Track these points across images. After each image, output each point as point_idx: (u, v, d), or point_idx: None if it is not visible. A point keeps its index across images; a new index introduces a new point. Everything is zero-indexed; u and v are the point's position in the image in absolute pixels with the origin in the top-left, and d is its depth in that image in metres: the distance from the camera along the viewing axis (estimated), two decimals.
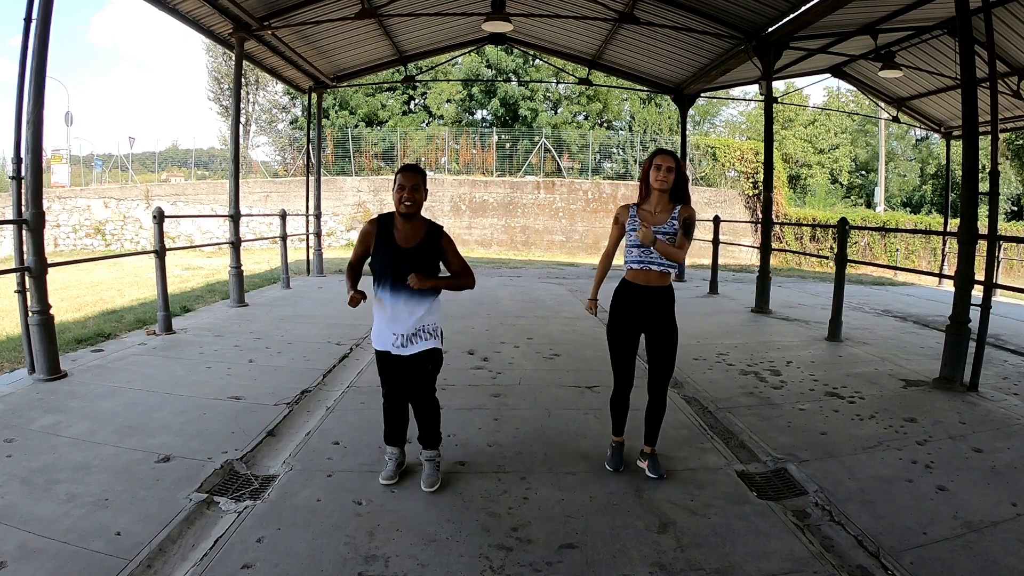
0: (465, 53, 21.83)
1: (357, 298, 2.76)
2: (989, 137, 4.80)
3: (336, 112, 24.90)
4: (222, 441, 3.34)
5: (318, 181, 11.08)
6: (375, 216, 2.91)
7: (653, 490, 2.93)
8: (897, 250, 20.28)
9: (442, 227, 2.90)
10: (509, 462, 3.20)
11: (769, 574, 2.30)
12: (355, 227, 19.76)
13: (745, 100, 29.09)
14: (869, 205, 27.25)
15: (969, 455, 3.33)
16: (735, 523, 2.64)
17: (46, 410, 3.71)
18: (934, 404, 4.16)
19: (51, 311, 4.33)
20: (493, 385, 4.49)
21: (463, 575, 2.28)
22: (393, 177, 2.80)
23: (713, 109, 31.94)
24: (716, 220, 9.40)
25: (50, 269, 4.32)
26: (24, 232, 4.19)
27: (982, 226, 4.66)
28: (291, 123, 28.13)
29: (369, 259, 2.87)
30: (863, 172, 31.19)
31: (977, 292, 4.62)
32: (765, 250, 7.78)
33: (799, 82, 21.93)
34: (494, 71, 25.16)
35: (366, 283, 2.75)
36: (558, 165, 22.23)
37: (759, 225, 11.16)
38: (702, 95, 12.02)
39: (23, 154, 4.16)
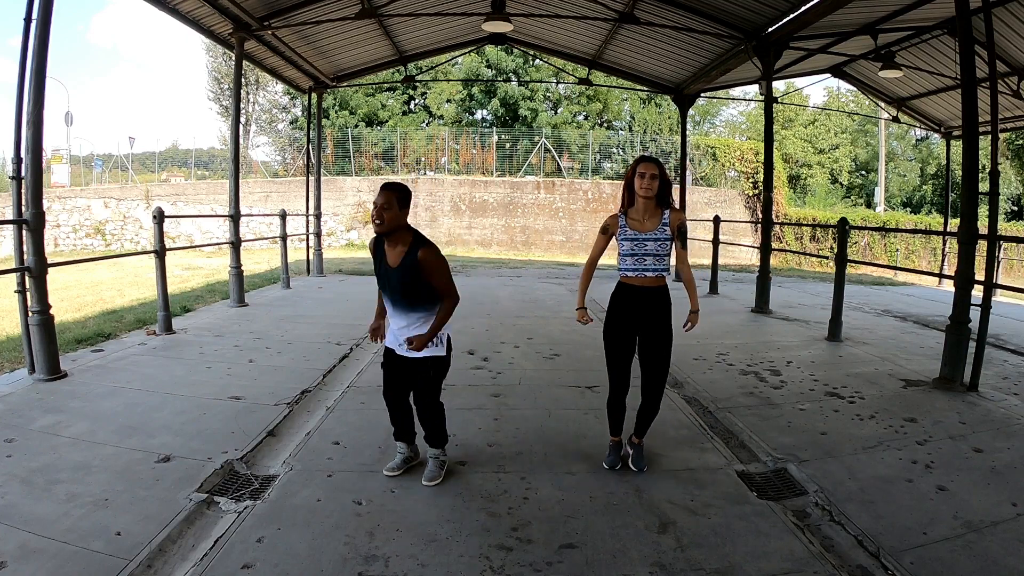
0: (465, 53, 21.83)
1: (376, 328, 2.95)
2: (989, 137, 4.80)
3: (336, 112, 24.90)
4: (222, 441, 3.34)
5: (318, 181, 11.08)
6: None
7: (653, 490, 2.93)
8: (897, 250, 20.28)
9: (424, 242, 2.79)
10: (509, 462, 3.20)
11: (769, 574, 2.30)
12: (355, 227, 19.77)
13: (745, 100, 29.11)
14: (869, 205, 27.25)
15: (969, 455, 3.33)
16: (735, 523, 2.64)
17: (46, 410, 3.71)
18: (934, 404, 4.16)
19: (51, 311, 4.33)
20: (493, 385, 4.49)
21: (463, 575, 2.28)
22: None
23: (713, 109, 31.95)
24: (716, 220, 9.40)
25: (50, 269, 4.32)
26: (24, 232, 4.19)
27: (982, 226, 4.65)
28: (291, 123, 28.13)
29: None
30: (863, 172, 31.19)
31: (977, 292, 4.62)
32: (765, 250, 7.78)
33: (799, 82, 21.93)
34: (494, 71, 25.17)
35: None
36: (558, 165, 22.23)
37: (759, 225, 11.16)
38: (702, 95, 12.02)
39: (23, 154, 4.16)
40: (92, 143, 52.26)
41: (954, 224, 10.49)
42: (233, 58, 8.14)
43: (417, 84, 22.01)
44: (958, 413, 3.97)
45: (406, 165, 22.62)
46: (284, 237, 8.86)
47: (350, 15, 7.76)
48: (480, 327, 6.38)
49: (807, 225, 20.00)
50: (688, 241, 3.02)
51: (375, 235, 2.85)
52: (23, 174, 4.15)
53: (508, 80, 25.01)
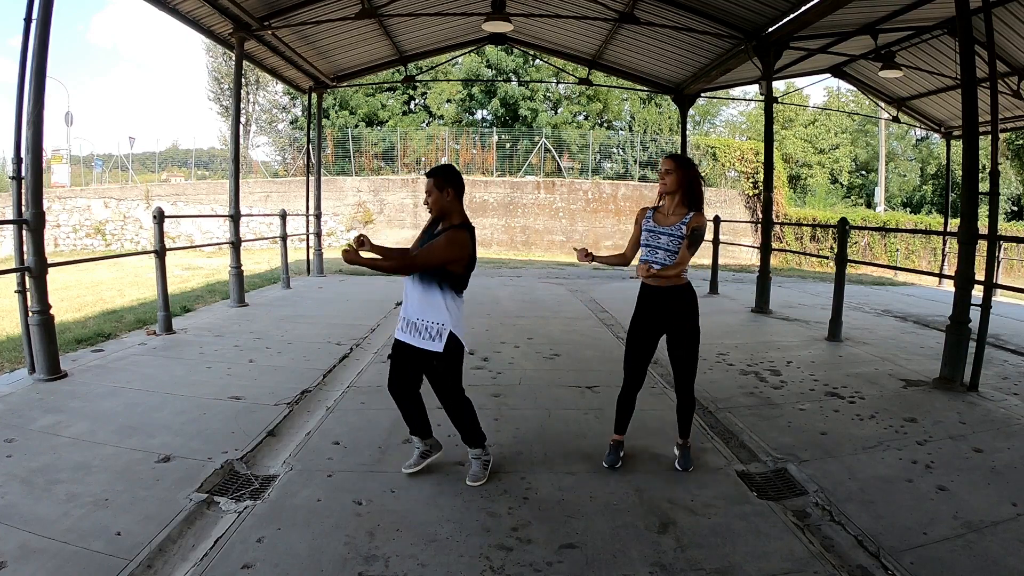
0: (465, 53, 21.83)
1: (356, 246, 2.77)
2: (989, 137, 4.80)
3: (336, 112, 24.89)
4: (222, 441, 3.34)
5: (318, 181, 11.09)
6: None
7: (653, 490, 2.93)
8: (897, 250, 20.28)
9: (458, 226, 2.83)
10: (509, 462, 3.20)
11: (769, 574, 2.30)
12: (355, 227, 19.76)
13: (745, 100, 29.10)
14: (869, 205, 27.24)
15: (969, 455, 3.33)
16: (735, 523, 2.64)
17: (46, 410, 3.71)
18: (934, 404, 4.16)
19: (51, 311, 4.33)
20: (493, 385, 4.49)
21: (463, 575, 2.28)
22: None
23: (713, 109, 31.95)
24: (716, 220, 9.40)
25: (50, 269, 4.32)
26: (24, 232, 4.19)
27: (982, 226, 4.66)
28: (291, 123, 28.11)
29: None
30: (863, 172, 31.19)
31: (977, 292, 4.62)
32: (765, 250, 7.78)
33: (799, 82, 21.94)
34: (494, 71, 25.16)
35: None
36: (558, 165, 22.23)
37: (759, 225, 11.16)
38: (702, 95, 12.01)
39: (23, 154, 4.16)
40: (92, 143, 52.23)
41: (954, 224, 10.49)
42: (233, 58, 8.14)
43: (417, 84, 22.01)
44: (958, 413, 3.97)
45: (406, 165, 22.61)
46: (284, 237, 8.86)
47: (350, 15, 7.76)
48: (480, 327, 6.38)
49: (807, 225, 20.00)
50: (696, 250, 3.03)
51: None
52: (23, 174, 4.15)
53: (508, 80, 25.00)
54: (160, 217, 5.75)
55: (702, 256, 14.91)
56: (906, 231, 20.75)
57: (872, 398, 4.28)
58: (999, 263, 9.55)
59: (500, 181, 20.56)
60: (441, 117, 26.66)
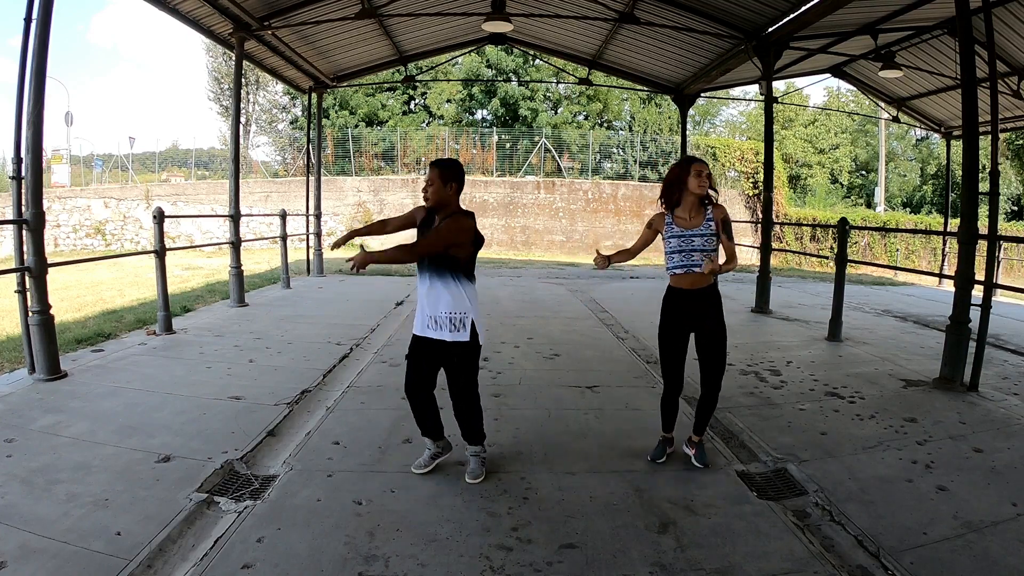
0: (465, 53, 21.83)
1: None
2: (989, 137, 4.79)
3: (336, 112, 24.89)
4: (222, 441, 3.34)
5: (318, 181, 11.09)
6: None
7: (653, 490, 2.93)
8: (897, 250, 20.28)
9: (456, 214, 2.84)
10: (509, 462, 3.20)
11: (769, 574, 2.30)
12: (355, 227, 19.76)
13: (745, 100, 29.09)
14: (869, 205, 27.24)
15: (969, 455, 3.33)
16: (735, 523, 2.64)
17: (46, 410, 3.71)
18: (934, 404, 4.16)
19: (51, 311, 4.33)
20: (493, 385, 4.49)
21: (463, 575, 2.28)
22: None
23: (713, 109, 31.95)
24: None
25: (50, 269, 4.32)
26: (24, 232, 4.19)
27: (982, 226, 4.65)
28: (291, 123, 28.11)
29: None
30: (863, 172, 31.19)
31: (977, 292, 4.62)
32: (765, 250, 7.78)
33: (799, 82, 21.94)
34: (494, 71, 25.15)
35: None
36: (558, 165, 22.23)
37: (759, 225, 11.15)
38: (702, 95, 12.02)
39: (23, 154, 4.16)
40: (92, 143, 52.26)
41: (954, 224, 10.49)
42: (233, 58, 8.14)
43: (417, 84, 22.01)
44: (958, 413, 3.97)
45: (406, 165, 22.61)
46: (284, 237, 8.86)
47: (350, 15, 7.77)
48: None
49: (807, 225, 20.00)
50: (732, 232, 3.11)
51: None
52: (23, 174, 4.15)
53: (508, 80, 25.00)
54: (160, 217, 5.75)
55: None
56: (906, 231, 20.75)
57: (872, 398, 4.28)
58: (999, 263, 9.55)
59: (500, 181, 20.55)
60: (441, 117, 26.66)
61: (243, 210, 8.44)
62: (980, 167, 4.82)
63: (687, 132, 11.51)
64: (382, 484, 2.93)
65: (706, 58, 9.22)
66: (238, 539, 2.45)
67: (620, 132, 27.76)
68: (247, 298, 7.63)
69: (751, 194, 20.79)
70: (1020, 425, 3.78)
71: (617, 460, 3.26)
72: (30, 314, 4.25)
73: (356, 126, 24.17)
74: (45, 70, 4.19)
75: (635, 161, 22.62)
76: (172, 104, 65.38)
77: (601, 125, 28.17)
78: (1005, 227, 21.69)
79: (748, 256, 18.47)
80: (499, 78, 25.03)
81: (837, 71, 10.68)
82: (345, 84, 11.83)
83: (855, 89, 14.43)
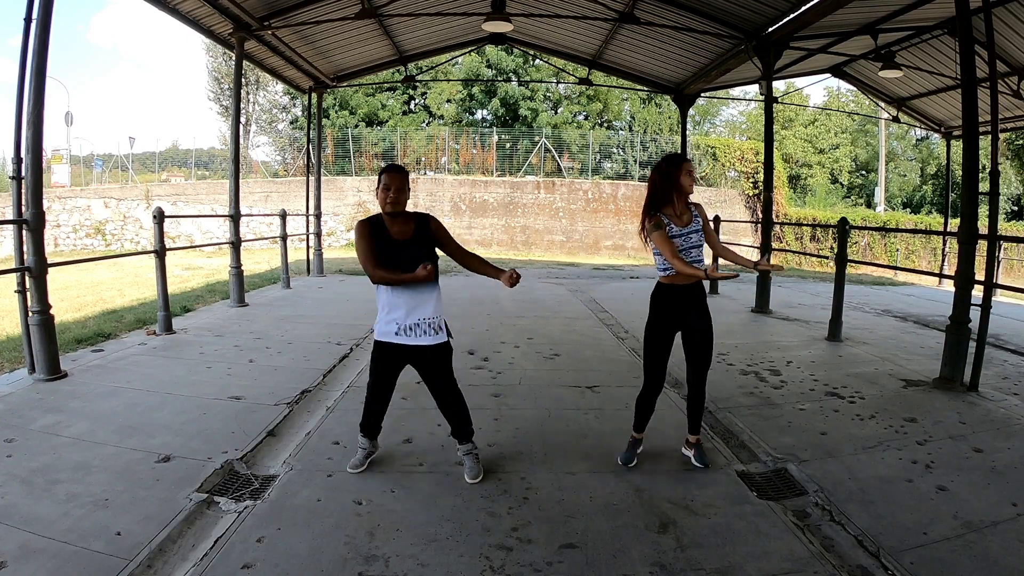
0: (465, 53, 21.83)
1: (428, 268, 2.74)
2: (989, 137, 4.79)
3: (336, 112, 24.89)
4: (222, 441, 3.34)
5: (318, 181, 11.08)
6: (363, 219, 2.95)
7: (653, 490, 2.93)
8: (897, 250, 20.27)
9: (428, 215, 2.99)
10: (509, 462, 3.20)
11: (769, 574, 2.30)
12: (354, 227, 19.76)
13: (745, 100, 29.13)
14: (869, 205, 27.25)
15: (969, 455, 3.33)
16: (735, 523, 2.64)
17: (46, 410, 3.71)
18: (934, 404, 4.16)
19: (51, 311, 4.33)
20: (493, 385, 4.49)
21: (463, 575, 2.28)
22: (377, 176, 2.87)
23: (713, 109, 31.96)
24: (716, 220, 9.39)
25: (50, 269, 4.32)
26: (24, 232, 4.19)
27: (982, 226, 4.65)
28: (291, 123, 28.11)
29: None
30: (863, 172, 31.19)
31: (977, 292, 4.62)
32: (765, 250, 7.78)
33: (799, 82, 21.96)
34: (494, 71, 25.15)
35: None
36: (558, 165, 22.23)
37: (759, 225, 11.16)
38: (702, 95, 12.01)
39: (23, 154, 4.16)
40: (92, 143, 52.30)
41: (954, 224, 10.50)
42: (233, 58, 8.14)
43: (417, 84, 22.02)
44: (958, 413, 3.97)
45: (406, 165, 22.60)
46: (284, 237, 8.86)
47: (350, 15, 7.77)
48: (480, 327, 6.38)
49: (807, 225, 20.01)
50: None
51: (374, 216, 2.92)
52: (23, 174, 4.15)
53: (508, 80, 25.00)
54: (160, 217, 5.75)
55: (703, 255, 14.92)
56: (906, 231, 20.75)
57: (872, 398, 4.28)
58: (999, 263, 9.56)
59: (500, 181, 20.55)
60: (441, 117, 26.66)
61: (243, 210, 8.44)
62: (980, 167, 4.82)
63: (687, 132, 11.50)
64: (382, 484, 2.93)
65: (706, 58, 9.22)
66: (238, 539, 2.45)
67: (620, 132, 27.75)
68: (247, 298, 7.63)
69: (751, 194, 20.80)
70: (1020, 425, 3.78)
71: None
72: (30, 314, 4.25)
73: (356, 126, 24.17)
74: (45, 70, 4.19)
75: (635, 161, 22.62)
76: (172, 104, 65.45)
77: (601, 125, 28.18)
78: (1005, 227, 21.69)
79: (748, 256, 18.50)
80: (499, 78, 25.04)
81: (837, 71, 10.68)
82: (345, 84, 11.83)
83: (855, 89, 14.43)
